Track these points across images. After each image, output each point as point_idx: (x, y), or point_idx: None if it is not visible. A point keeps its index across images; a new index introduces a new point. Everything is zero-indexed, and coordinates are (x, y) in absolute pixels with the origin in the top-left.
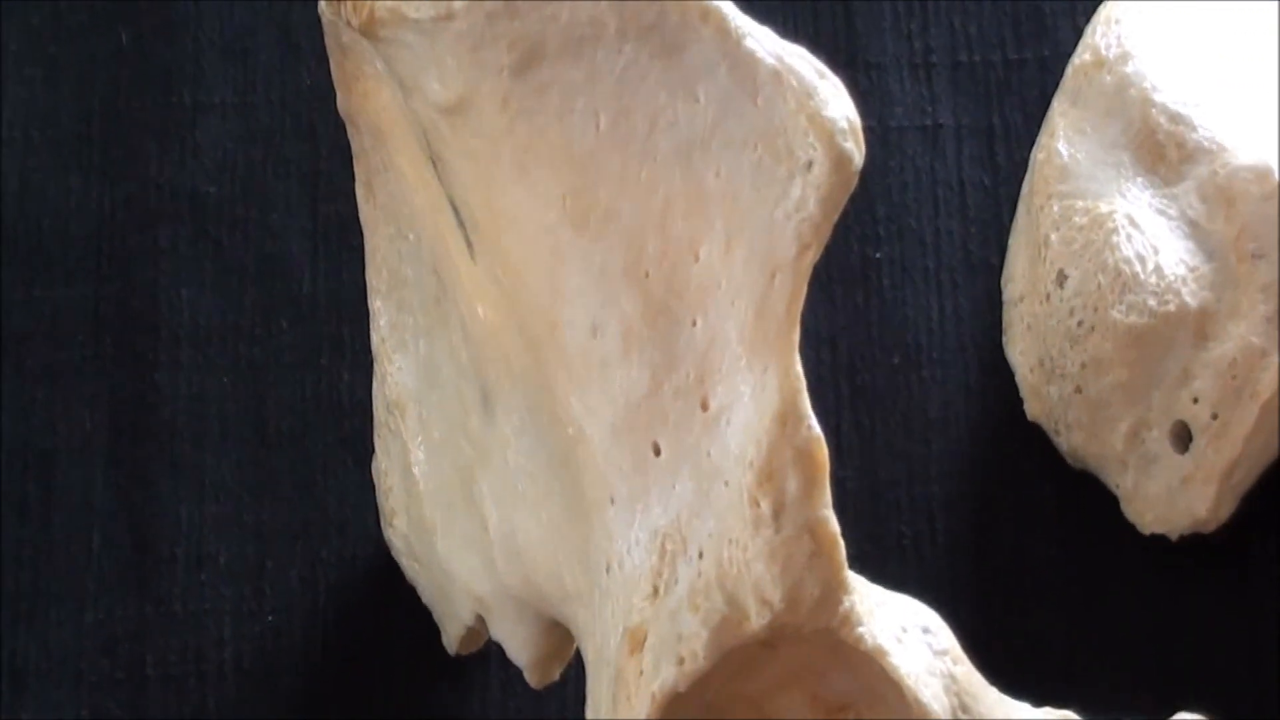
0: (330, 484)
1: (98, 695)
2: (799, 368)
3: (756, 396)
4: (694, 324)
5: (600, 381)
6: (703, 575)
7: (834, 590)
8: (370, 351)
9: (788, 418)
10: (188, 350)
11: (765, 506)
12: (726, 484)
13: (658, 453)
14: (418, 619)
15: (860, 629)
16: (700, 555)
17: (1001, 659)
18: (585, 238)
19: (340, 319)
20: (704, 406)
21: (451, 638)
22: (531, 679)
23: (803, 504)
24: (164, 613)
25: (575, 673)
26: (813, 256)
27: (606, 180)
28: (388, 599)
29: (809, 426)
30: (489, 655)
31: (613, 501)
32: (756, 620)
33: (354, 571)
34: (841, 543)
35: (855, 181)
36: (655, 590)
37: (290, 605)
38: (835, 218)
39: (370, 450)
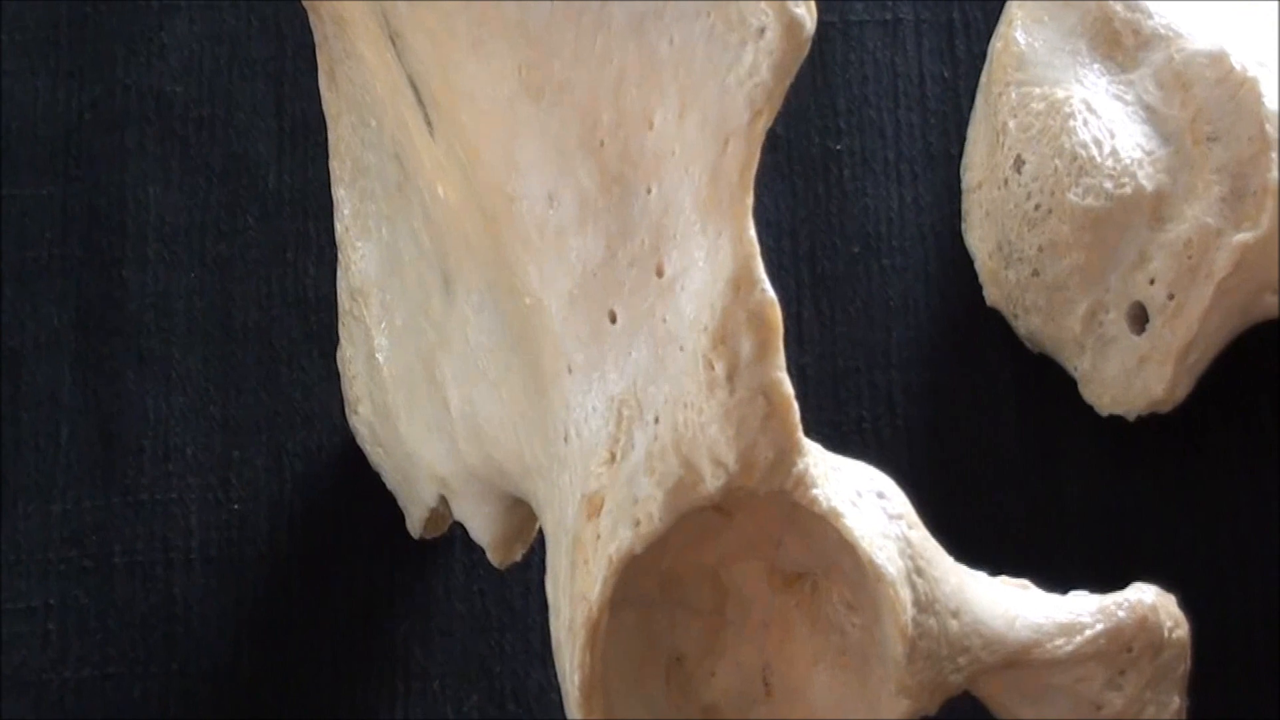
0: (296, 376)
1: (66, 584)
2: (752, 233)
3: (710, 261)
4: (648, 192)
5: (557, 251)
6: (658, 439)
7: (788, 452)
8: (335, 247)
9: (741, 282)
10: (154, 247)
11: (719, 369)
12: (681, 349)
13: (614, 320)
14: (382, 506)
15: (814, 491)
16: (656, 420)
17: (961, 538)
18: (541, 109)
19: (306, 215)
20: (659, 273)
21: (415, 521)
22: (494, 558)
23: (756, 366)
24: (131, 503)
25: (537, 557)
26: (765, 122)
27: (561, 51)
28: (352, 488)
29: (762, 290)
30: (452, 540)
31: (570, 371)
32: (711, 482)
33: (319, 461)
34: (795, 405)
35: (807, 48)
36: (612, 456)
37: (256, 494)
38: (788, 83)
39: (335, 343)
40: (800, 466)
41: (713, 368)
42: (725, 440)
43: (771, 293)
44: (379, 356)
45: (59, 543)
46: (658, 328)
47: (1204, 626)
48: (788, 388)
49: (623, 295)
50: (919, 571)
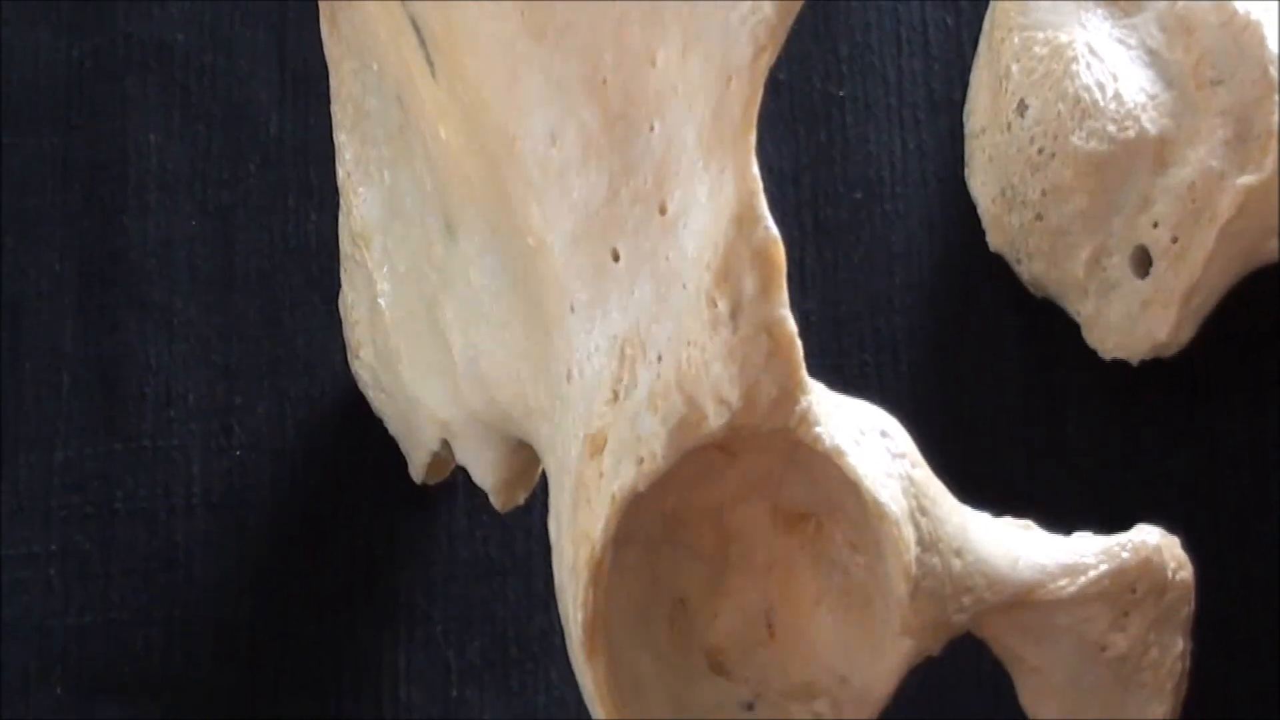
0: (298, 323)
1: (68, 530)
2: (755, 170)
3: (714, 199)
4: (651, 129)
5: (559, 191)
6: (661, 378)
7: (791, 390)
8: (337, 194)
9: (744, 219)
10: (155, 195)
11: (723, 307)
12: (685, 287)
13: (616, 259)
14: (384, 453)
15: (818, 429)
16: (659, 358)
17: (964, 483)
18: (543, 48)
19: (307, 162)
20: (662, 211)
21: (417, 466)
22: (496, 502)
23: (760, 304)
24: (133, 450)
25: (539, 502)
26: (768, 59)
27: None
28: (354, 434)
29: (766, 227)
30: (455, 486)
31: (573, 310)
32: (715, 420)
33: (321, 407)
34: (799, 343)
35: None
36: (615, 395)
37: (258, 441)
38: (791, 20)
39: (337, 290)
40: (803, 404)
41: (716, 305)
42: (728, 378)
43: (775, 230)
44: (381, 301)
45: (61, 490)
46: (661, 266)
47: (1207, 570)
48: (791, 325)
49: (625, 233)
50: (922, 510)
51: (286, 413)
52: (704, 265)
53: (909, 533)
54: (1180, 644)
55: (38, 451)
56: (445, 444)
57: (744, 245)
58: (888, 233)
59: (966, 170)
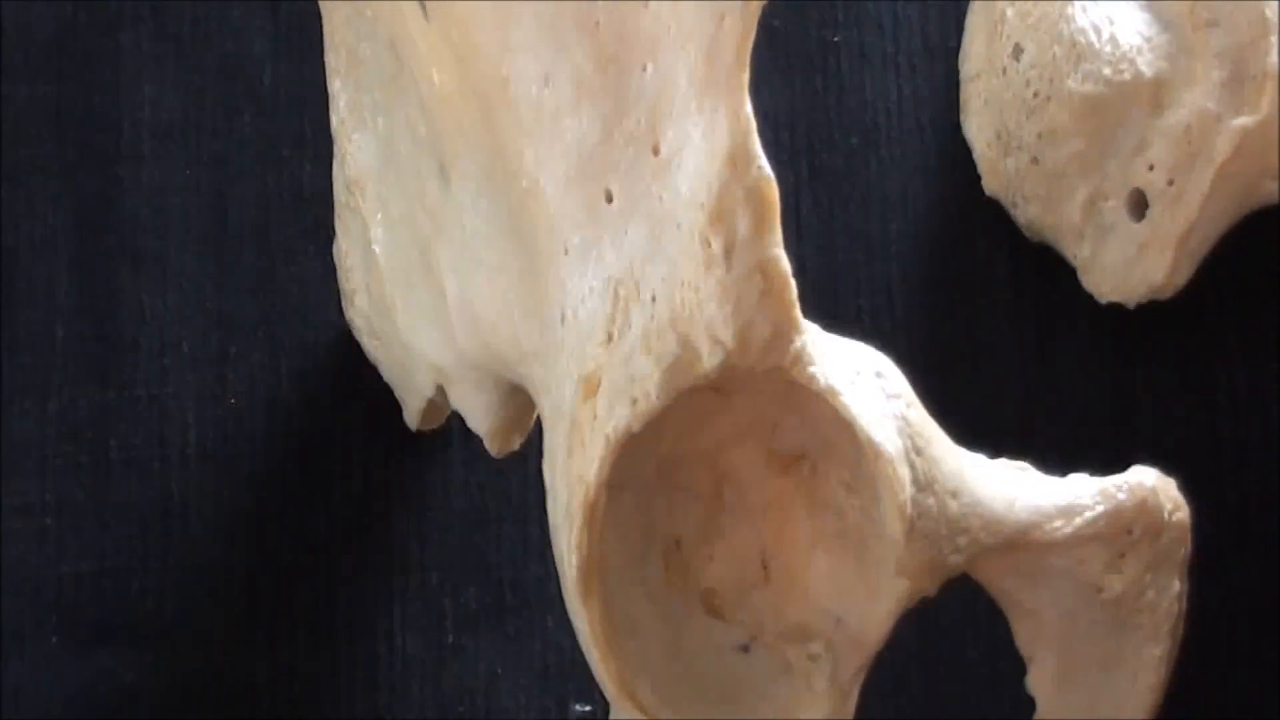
0: (291, 272)
1: (63, 480)
2: (749, 109)
3: (707, 139)
4: (644, 70)
5: (552, 132)
6: (655, 318)
7: (785, 330)
8: (331, 144)
9: (738, 158)
10: (149, 146)
11: (716, 247)
12: (678, 227)
13: (610, 200)
14: (379, 400)
15: (812, 369)
16: (653, 299)
17: (960, 429)
18: None
19: (302, 113)
20: (655, 152)
21: (412, 413)
22: (491, 447)
23: (753, 243)
24: (127, 399)
25: (535, 450)
26: None
27: None
28: (349, 382)
29: (759, 167)
30: (450, 434)
31: (566, 252)
32: (709, 360)
33: (315, 356)
34: (793, 282)
35: None
36: (609, 336)
37: (252, 389)
38: None
39: (331, 239)
40: (797, 344)
41: (710, 245)
42: (722, 317)
43: (768, 169)
44: (375, 248)
45: (56, 439)
46: (654, 207)
47: (1204, 512)
48: (785, 264)
49: (619, 175)
50: (918, 451)
51: (281, 361)
52: (697, 205)
53: (904, 473)
54: (1177, 585)
55: (32, 401)
56: (440, 390)
57: (737, 185)
58: (883, 178)
59: (962, 115)
